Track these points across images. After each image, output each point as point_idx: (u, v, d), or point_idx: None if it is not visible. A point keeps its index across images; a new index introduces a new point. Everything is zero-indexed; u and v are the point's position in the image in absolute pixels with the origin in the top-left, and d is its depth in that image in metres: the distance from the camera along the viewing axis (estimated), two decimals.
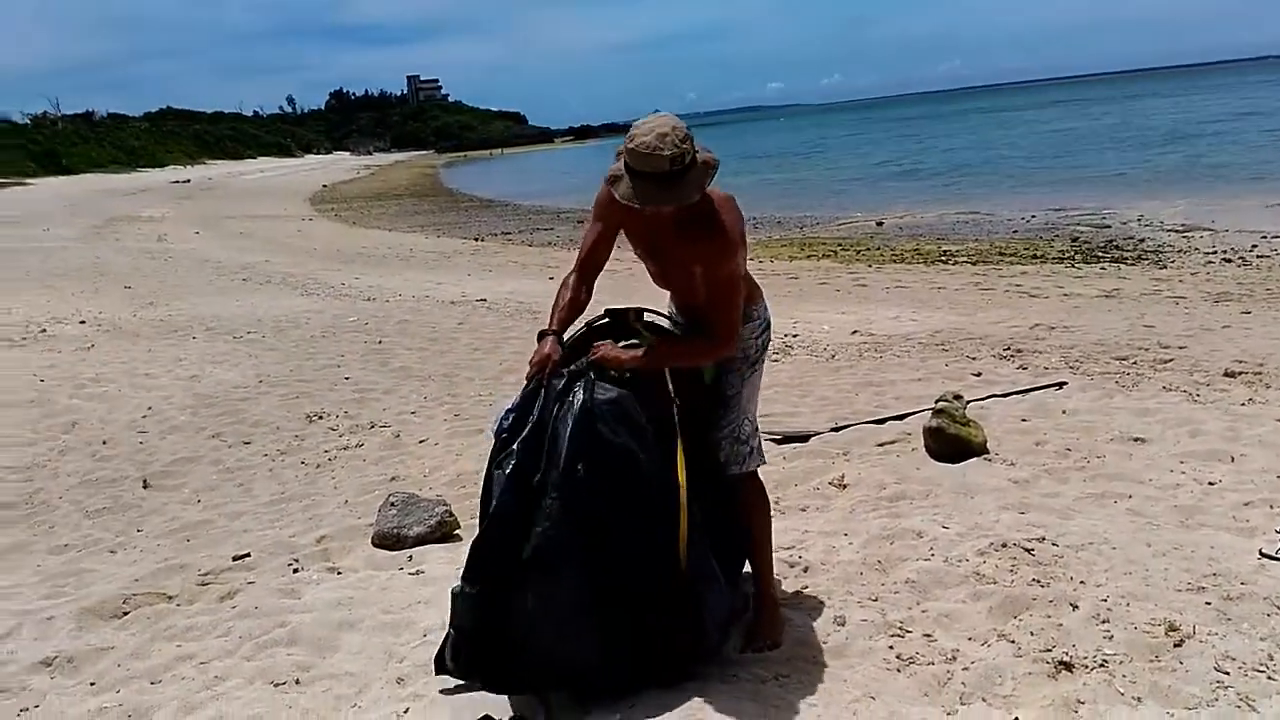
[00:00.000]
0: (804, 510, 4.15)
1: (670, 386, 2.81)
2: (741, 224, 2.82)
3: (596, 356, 2.78)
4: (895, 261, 13.34)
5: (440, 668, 2.82)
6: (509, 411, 2.76)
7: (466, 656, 2.74)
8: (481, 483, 2.82)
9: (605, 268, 3.05)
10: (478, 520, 2.88)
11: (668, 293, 3.12)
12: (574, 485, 2.63)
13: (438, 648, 2.85)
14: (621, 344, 2.86)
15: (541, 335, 2.86)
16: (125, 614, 3.52)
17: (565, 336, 2.90)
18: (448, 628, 2.80)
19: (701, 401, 2.94)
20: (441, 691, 2.83)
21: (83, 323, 9.96)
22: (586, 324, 3.00)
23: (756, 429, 3.09)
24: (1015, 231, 15.68)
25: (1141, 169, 24.03)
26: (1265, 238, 12.60)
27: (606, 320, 2.99)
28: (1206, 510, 3.82)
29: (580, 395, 2.70)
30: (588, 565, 2.64)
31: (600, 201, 2.95)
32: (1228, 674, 2.67)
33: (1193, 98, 64.22)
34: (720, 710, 2.63)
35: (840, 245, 15.62)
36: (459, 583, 2.75)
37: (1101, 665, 2.75)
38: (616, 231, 3.00)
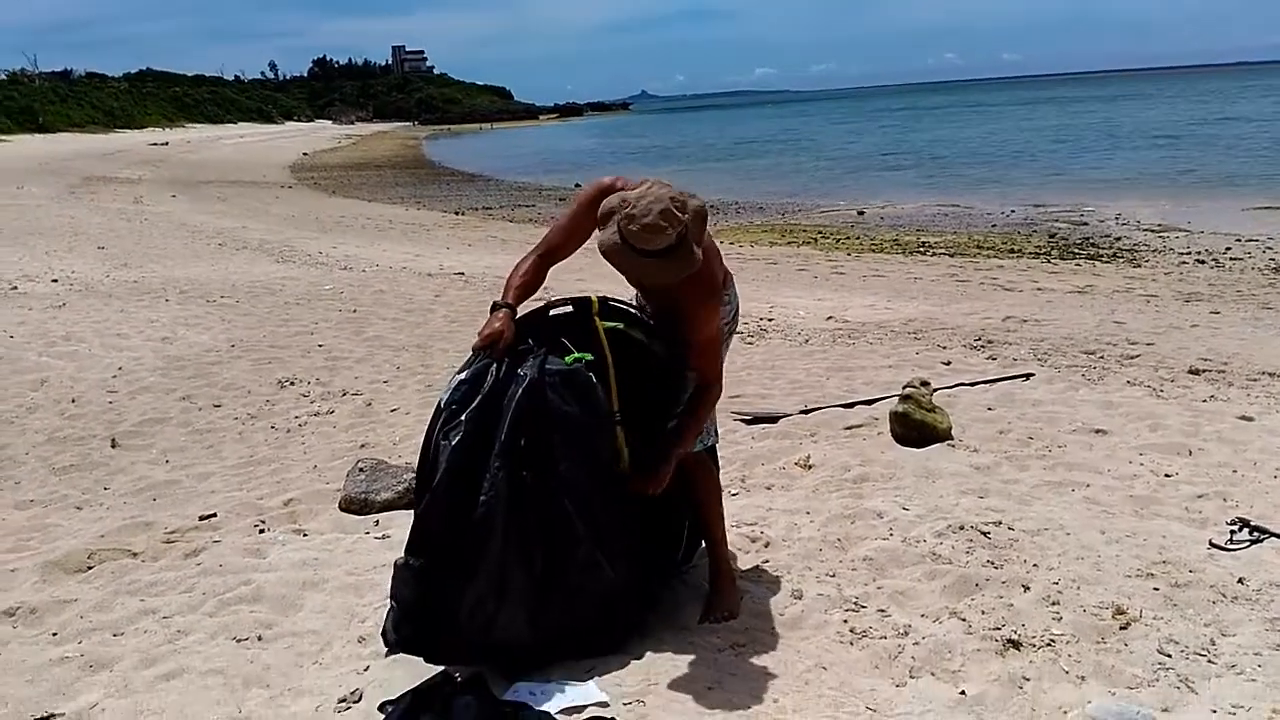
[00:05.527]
0: (769, 488, 4.21)
1: (615, 397, 2.83)
2: (722, 274, 2.86)
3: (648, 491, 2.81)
4: (874, 251, 13.42)
5: (386, 641, 2.84)
6: (462, 383, 2.77)
7: (407, 631, 2.77)
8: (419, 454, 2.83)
9: None
10: (415, 490, 2.91)
11: None
12: (517, 456, 2.66)
13: (383, 622, 2.89)
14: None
15: (495, 307, 2.84)
16: (89, 568, 3.53)
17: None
18: (389, 599, 2.83)
19: (653, 382, 2.94)
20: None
21: (55, 281, 9.86)
22: (547, 304, 2.99)
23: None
24: (994, 226, 15.82)
25: (1123, 169, 24.25)
26: (1239, 240, 12.78)
27: (570, 309, 2.96)
28: (1161, 501, 3.91)
29: (532, 368, 2.73)
30: (528, 537, 2.68)
31: (582, 204, 2.91)
32: (1170, 657, 2.75)
33: (1179, 100, 64.61)
34: (676, 677, 2.68)
35: (820, 233, 15.69)
36: (403, 555, 2.78)
37: (1049, 645, 2.82)
38: (589, 235, 2.95)
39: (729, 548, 3.27)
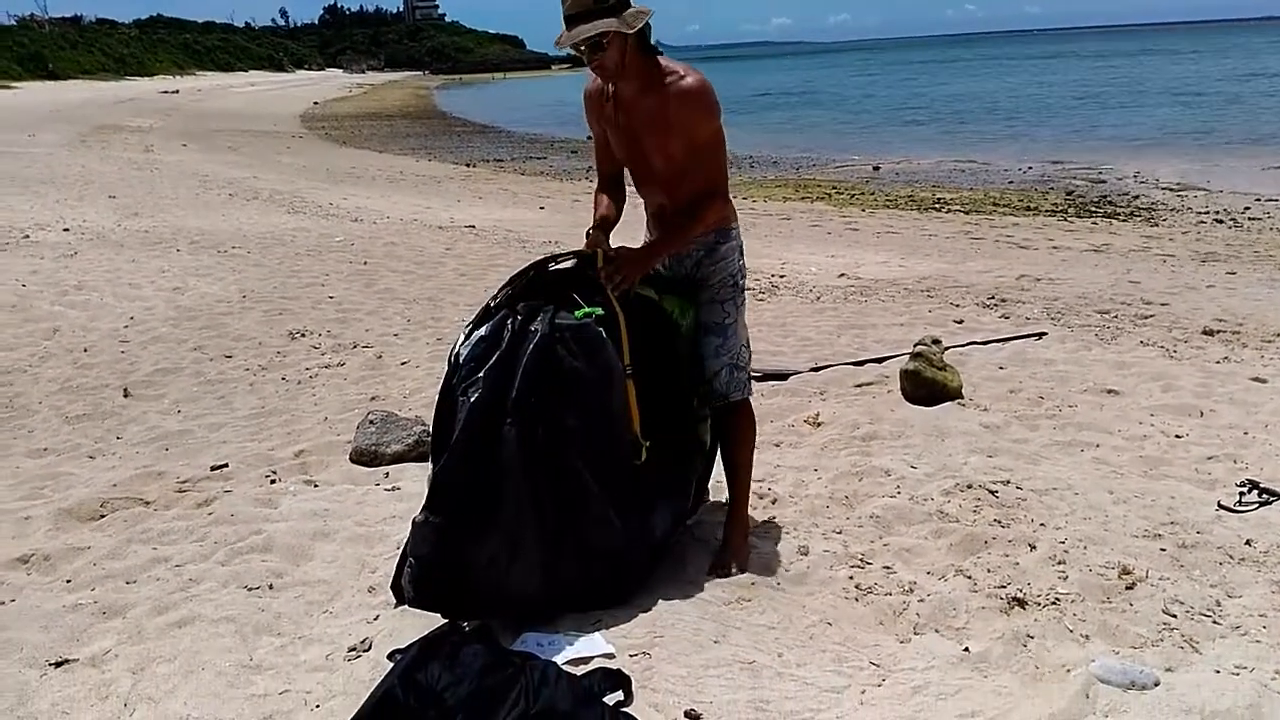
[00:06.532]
0: (778, 445, 4.21)
1: (626, 351, 2.82)
2: (709, 84, 2.89)
3: (610, 286, 2.84)
4: (889, 207, 13.30)
5: (398, 595, 2.87)
6: (481, 339, 2.77)
7: (427, 587, 2.79)
8: (435, 408, 2.84)
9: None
10: (431, 446, 2.91)
11: (643, 226, 3.15)
12: (529, 412, 2.67)
13: (393, 575, 2.91)
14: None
15: (590, 231, 3.01)
16: (102, 516, 3.56)
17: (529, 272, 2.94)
18: (406, 556, 2.85)
19: (663, 337, 2.95)
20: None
21: (66, 230, 9.86)
22: (550, 257, 3.00)
23: (750, 357, 3.18)
24: (1011, 182, 15.64)
25: (1143, 126, 23.88)
26: (1259, 200, 12.61)
27: (572, 262, 2.97)
28: (1171, 462, 3.90)
29: (543, 323, 2.72)
30: (540, 493, 2.69)
31: (586, 105, 3.09)
32: (1175, 617, 2.75)
33: (1204, 56, 63.36)
34: (682, 629, 2.69)
35: (835, 188, 15.54)
36: (420, 513, 2.79)
37: (1053, 603, 2.83)
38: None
39: None
